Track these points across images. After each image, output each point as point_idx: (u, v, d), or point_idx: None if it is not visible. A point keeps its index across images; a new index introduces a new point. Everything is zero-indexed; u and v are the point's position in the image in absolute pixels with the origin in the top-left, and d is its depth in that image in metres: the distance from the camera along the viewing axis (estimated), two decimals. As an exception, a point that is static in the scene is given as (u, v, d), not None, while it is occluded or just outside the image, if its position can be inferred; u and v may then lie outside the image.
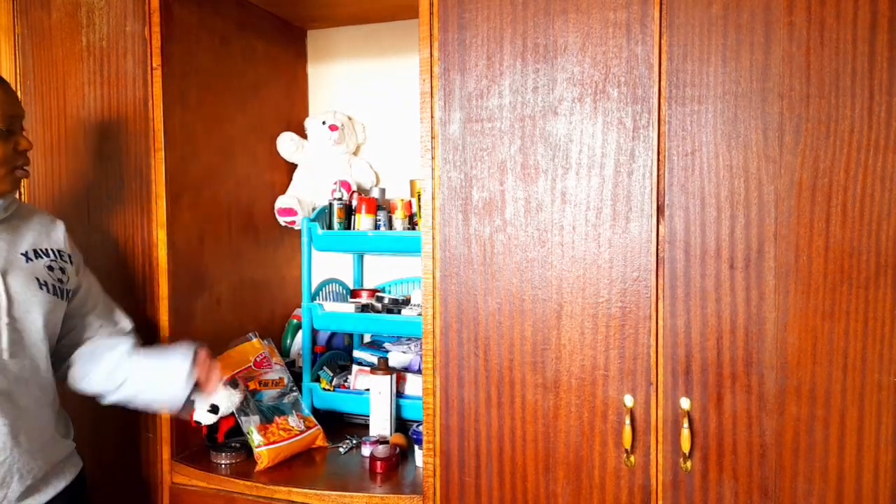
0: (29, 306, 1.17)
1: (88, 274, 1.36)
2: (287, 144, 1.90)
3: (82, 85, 1.58)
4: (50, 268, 1.23)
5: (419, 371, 1.66)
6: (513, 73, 1.21)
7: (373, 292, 1.85)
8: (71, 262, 1.29)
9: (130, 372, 1.29)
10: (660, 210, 1.13)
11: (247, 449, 1.50)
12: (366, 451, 1.52)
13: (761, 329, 1.09)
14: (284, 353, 1.88)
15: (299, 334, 1.86)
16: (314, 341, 1.76)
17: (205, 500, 1.45)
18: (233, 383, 1.56)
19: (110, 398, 1.31)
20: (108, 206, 1.56)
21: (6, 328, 1.13)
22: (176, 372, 1.28)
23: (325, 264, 2.03)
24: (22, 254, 1.20)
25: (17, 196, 1.26)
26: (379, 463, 1.43)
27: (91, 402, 1.31)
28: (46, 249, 1.24)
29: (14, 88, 1.32)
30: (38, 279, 1.20)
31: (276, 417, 1.55)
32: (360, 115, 2.00)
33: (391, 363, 1.68)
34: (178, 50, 1.54)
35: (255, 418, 1.52)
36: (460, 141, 1.25)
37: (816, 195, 1.06)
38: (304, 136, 1.96)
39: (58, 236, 1.29)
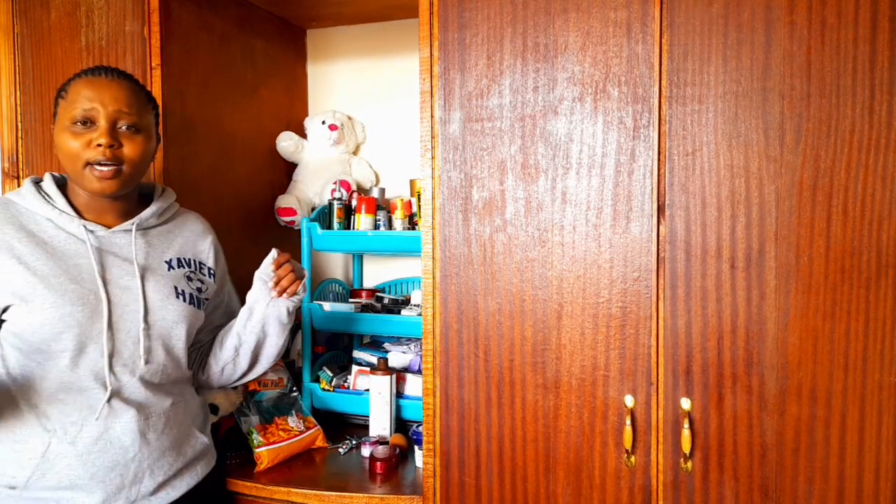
0: (165, 313, 1.19)
1: (227, 285, 1.42)
2: (286, 144, 1.90)
3: (81, 84, 1.58)
4: (189, 278, 1.26)
5: (419, 371, 1.66)
6: (513, 72, 1.20)
7: (373, 292, 1.85)
8: (211, 275, 1.32)
9: (236, 325, 1.34)
10: (660, 210, 1.13)
11: (246, 449, 1.50)
12: (365, 451, 1.52)
13: (762, 329, 1.09)
14: (284, 353, 1.88)
15: (299, 334, 1.85)
16: (314, 341, 1.76)
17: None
18: (232, 383, 1.56)
19: (241, 367, 1.37)
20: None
21: (143, 334, 1.15)
22: (257, 291, 1.32)
23: (325, 264, 2.03)
24: (166, 261, 1.23)
25: (174, 202, 1.31)
26: (379, 463, 1.43)
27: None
28: (189, 259, 1.28)
29: (14, 88, 1.33)
30: (175, 287, 1.22)
31: (276, 418, 1.55)
32: (360, 114, 2.00)
33: (391, 363, 1.68)
34: (178, 49, 1.54)
35: (255, 419, 1.52)
36: (460, 140, 1.24)
37: (817, 195, 1.06)
38: (304, 136, 1.96)
39: (204, 247, 1.33)
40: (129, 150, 1.15)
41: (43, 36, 1.62)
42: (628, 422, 1.15)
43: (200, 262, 1.31)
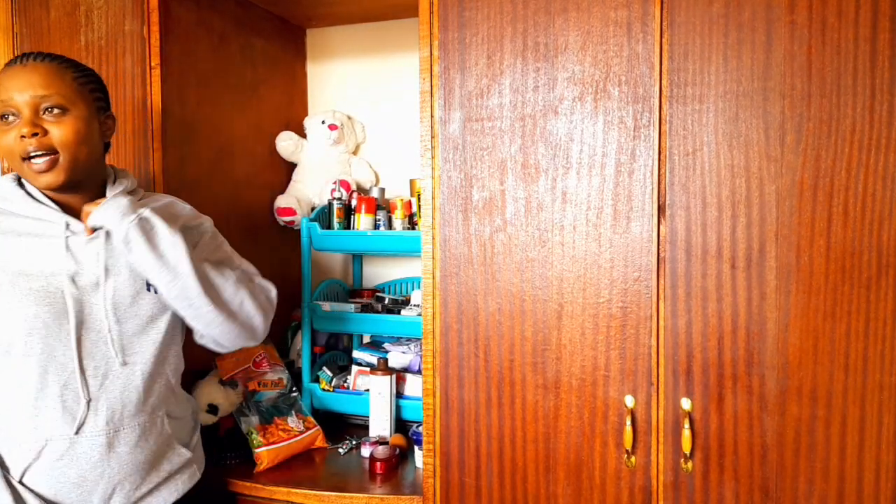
0: (138, 309, 1.10)
1: (222, 258, 1.26)
2: (286, 144, 1.90)
3: (81, 84, 1.57)
4: None
5: (419, 371, 1.66)
6: (513, 71, 1.20)
7: (372, 292, 1.85)
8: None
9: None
10: (661, 210, 1.13)
11: (246, 450, 1.50)
12: (365, 451, 1.51)
13: (762, 329, 1.09)
14: (284, 353, 1.88)
15: (299, 334, 1.85)
16: (314, 341, 1.76)
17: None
18: (232, 384, 1.56)
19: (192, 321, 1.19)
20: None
21: (111, 335, 1.07)
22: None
23: (325, 264, 2.02)
24: None
25: (136, 187, 1.21)
26: (379, 464, 1.42)
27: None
28: None
29: None
30: (148, 282, 1.12)
31: (276, 418, 1.55)
32: (360, 114, 2.00)
33: (391, 363, 1.68)
34: (177, 49, 1.53)
35: (255, 419, 1.52)
36: (460, 140, 1.24)
37: (818, 195, 1.05)
38: (304, 136, 1.95)
39: (192, 228, 1.22)
40: (58, 134, 1.05)
41: (42, 35, 1.62)
42: (628, 422, 1.15)
43: None
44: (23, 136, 1.03)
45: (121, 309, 1.09)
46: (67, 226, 1.09)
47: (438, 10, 1.24)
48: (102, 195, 1.15)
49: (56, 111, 1.06)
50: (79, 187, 1.12)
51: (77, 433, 1.05)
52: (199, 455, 1.28)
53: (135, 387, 1.11)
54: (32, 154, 1.04)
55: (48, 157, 1.05)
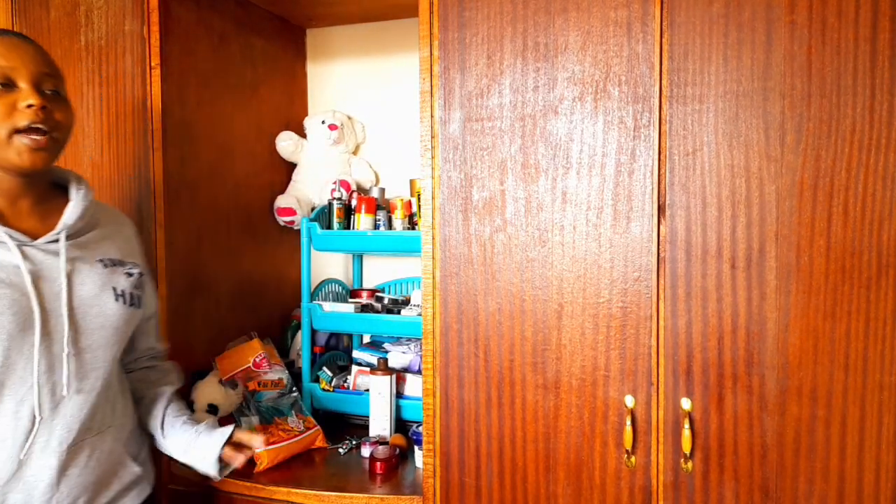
0: (104, 320, 1.04)
1: (151, 279, 1.26)
2: (286, 144, 1.90)
3: (81, 84, 1.58)
4: (129, 273, 1.10)
5: (419, 371, 1.65)
6: (513, 71, 1.20)
7: (372, 292, 1.85)
8: (143, 275, 1.16)
9: (168, 435, 1.23)
10: (661, 210, 1.13)
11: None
12: (365, 451, 1.51)
13: (762, 329, 1.09)
14: (284, 353, 1.88)
15: (299, 334, 1.85)
16: (314, 341, 1.76)
17: (204, 501, 1.45)
18: (232, 384, 1.56)
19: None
20: (107, 206, 1.56)
21: (68, 360, 0.99)
22: (207, 451, 1.21)
23: (325, 264, 2.02)
24: (98, 260, 1.07)
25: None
26: (379, 464, 1.42)
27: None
28: (122, 261, 1.11)
29: None
30: (115, 289, 1.06)
31: (276, 418, 1.55)
32: (360, 114, 2.00)
33: (391, 363, 1.68)
34: (177, 49, 1.53)
35: (255, 419, 1.52)
36: (460, 140, 1.24)
37: (818, 195, 1.05)
38: (304, 136, 1.95)
39: (135, 245, 1.18)
40: (59, 116, 0.98)
41: (42, 35, 1.61)
42: (628, 422, 1.14)
43: (133, 263, 1.15)
44: (29, 106, 0.95)
45: (86, 320, 1.02)
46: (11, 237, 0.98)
47: (438, 10, 1.24)
48: (50, 196, 1.07)
49: (57, 94, 1.01)
50: (36, 181, 1.04)
51: (26, 455, 0.97)
52: (149, 469, 1.22)
53: (90, 403, 1.04)
54: (35, 126, 0.96)
55: (47, 136, 0.97)
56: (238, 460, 1.22)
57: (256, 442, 1.25)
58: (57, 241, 1.02)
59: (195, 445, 1.22)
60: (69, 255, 1.03)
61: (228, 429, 1.24)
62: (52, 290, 0.99)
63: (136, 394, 1.24)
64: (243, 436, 1.25)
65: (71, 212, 1.04)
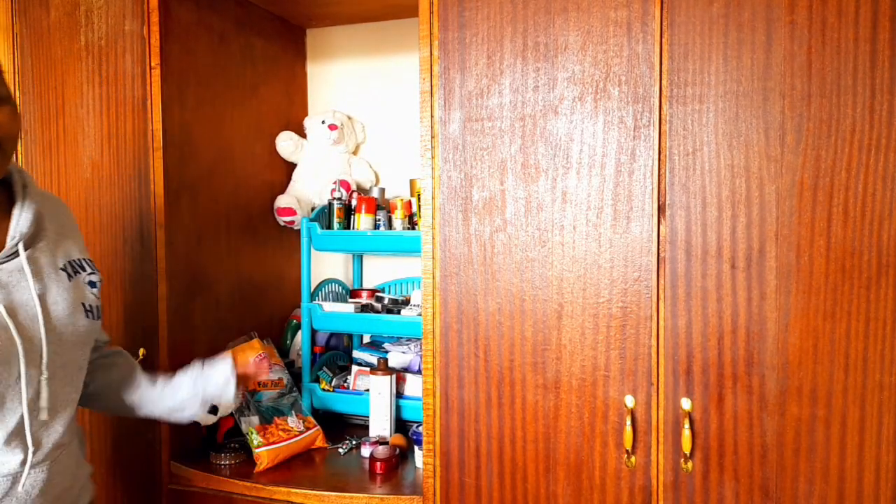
0: (77, 338, 0.97)
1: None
2: (286, 144, 1.90)
3: (81, 84, 1.58)
4: (92, 283, 1.03)
5: (419, 371, 1.65)
6: (513, 71, 1.20)
7: (372, 292, 1.85)
8: (95, 268, 1.06)
9: (166, 384, 1.18)
10: (661, 210, 1.13)
11: (246, 450, 1.50)
12: (365, 451, 1.51)
13: (762, 329, 1.09)
14: (284, 353, 1.88)
15: (299, 334, 1.85)
16: (313, 341, 1.76)
17: (204, 501, 1.45)
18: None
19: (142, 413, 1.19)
20: (106, 206, 1.56)
21: (46, 385, 0.92)
22: (220, 369, 1.20)
23: (325, 264, 2.02)
24: (61, 268, 0.99)
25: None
26: (379, 464, 1.42)
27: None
28: (79, 260, 1.02)
29: (14, 88, 1.28)
30: (83, 305, 0.99)
31: (276, 418, 1.55)
32: (360, 114, 2.00)
33: (391, 363, 1.68)
34: (177, 49, 1.53)
35: (255, 419, 1.52)
36: (460, 140, 1.24)
37: (818, 195, 1.05)
38: (304, 136, 1.95)
39: (79, 237, 1.08)
40: (4, 120, 0.88)
41: (42, 35, 1.62)
42: (628, 422, 1.14)
43: (87, 259, 1.06)
44: None
45: (61, 339, 0.96)
46: None
47: (438, 10, 1.24)
48: None
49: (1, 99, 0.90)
50: None
51: (12, 487, 0.92)
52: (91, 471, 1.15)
53: (67, 419, 0.98)
54: None
55: None
56: (263, 370, 1.28)
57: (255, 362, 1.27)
58: (16, 253, 0.93)
59: (205, 374, 1.20)
60: (32, 268, 0.95)
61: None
62: (27, 314, 0.92)
63: (102, 381, 1.17)
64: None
65: (24, 218, 0.95)
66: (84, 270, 1.03)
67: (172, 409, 1.19)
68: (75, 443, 1.04)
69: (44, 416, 0.94)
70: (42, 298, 0.94)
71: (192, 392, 1.18)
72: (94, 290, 1.03)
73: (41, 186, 1.64)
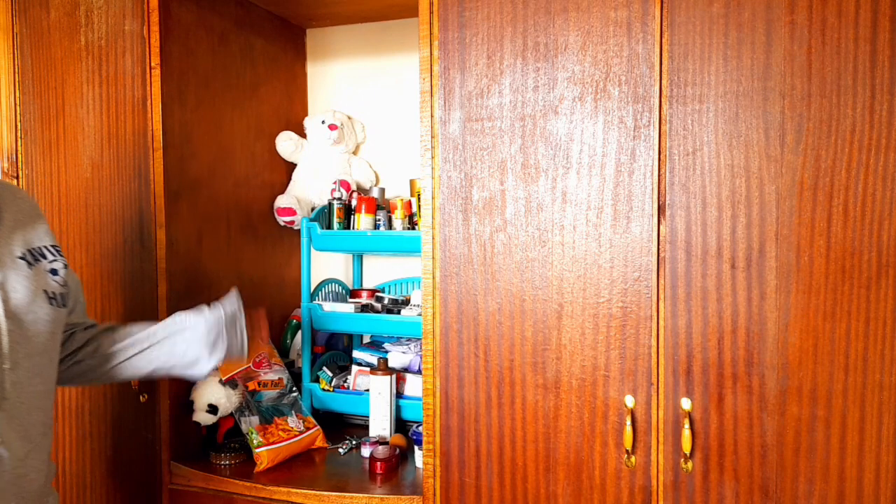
0: (40, 326, 0.95)
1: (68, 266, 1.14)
2: (286, 144, 1.90)
3: (81, 84, 1.58)
4: (54, 271, 1.01)
5: (419, 371, 1.65)
6: (513, 71, 1.20)
7: (372, 292, 1.85)
8: (61, 254, 1.05)
9: (164, 323, 1.16)
10: (661, 210, 1.13)
11: (246, 450, 1.50)
12: (365, 451, 1.51)
13: (762, 329, 1.08)
14: (284, 353, 1.88)
15: (299, 334, 1.85)
16: (313, 341, 1.76)
17: (204, 501, 1.45)
18: (232, 384, 1.56)
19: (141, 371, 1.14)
20: (106, 206, 1.56)
21: (8, 374, 0.90)
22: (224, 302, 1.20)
23: (325, 264, 2.02)
24: (20, 257, 0.97)
25: None
26: (379, 464, 1.42)
27: (88, 405, 1.30)
28: (41, 248, 1.01)
29: (14, 88, 1.28)
30: (45, 291, 0.97)
31: (276, 418, 1.55)
32: (360, 114, 2.00)
33: (391, 363, 1.68)
34: (177, 49, 1.53)
35: (255, 419, 1.52)
36: (460, 140, 1.24)
37: (818, 195, 1.05)
38: (304, 136, 1.95)
39: (41, 221, 1.05)
40: None
41: (42, 35, 1.61)
42: (628, 422, 1.14)
43: (54, 245, 1.05)
44: None
45: (22, 328, 0.94)
46: None
47: (438, 10, 1.24)
48: None
49: None
50: None
51: None
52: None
53: (33, 411, 0.96)
54: None
55: None
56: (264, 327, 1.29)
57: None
58: None
59: (206, 308, 1.21)
60: None
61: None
62: None
63: (98, 358, 1.13)
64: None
65: None
66: (45, 258, 1.01)
67: (172, 351, 1.14)
68: (47, 444, 1.00)
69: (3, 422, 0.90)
70: (2, 286, 0.92)
71: (193, 322, 1.17)
72: (57, 278, 1.01)
73: (41, 187, 1.64)
